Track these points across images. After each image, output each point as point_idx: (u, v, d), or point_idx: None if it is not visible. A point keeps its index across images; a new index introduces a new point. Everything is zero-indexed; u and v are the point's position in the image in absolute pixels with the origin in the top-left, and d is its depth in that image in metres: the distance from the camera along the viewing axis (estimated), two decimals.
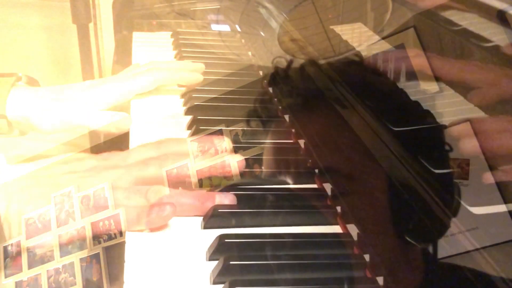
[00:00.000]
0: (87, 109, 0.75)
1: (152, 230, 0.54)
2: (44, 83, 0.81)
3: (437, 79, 0.51)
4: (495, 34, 0.48)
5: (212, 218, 0.56)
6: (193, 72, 0.83)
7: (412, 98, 0.55)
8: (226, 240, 0.52)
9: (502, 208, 0.41)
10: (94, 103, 0.75)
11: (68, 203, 0.55)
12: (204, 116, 0.74)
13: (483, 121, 0.47)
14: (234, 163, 0.59)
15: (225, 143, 0.61)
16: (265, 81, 0.88)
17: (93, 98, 0.76)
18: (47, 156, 0.63)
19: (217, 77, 0.85)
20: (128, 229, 0.54)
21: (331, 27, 0.75)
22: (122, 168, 0.59)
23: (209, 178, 0.60)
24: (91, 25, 1.47)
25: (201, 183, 0.61)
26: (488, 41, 0.49)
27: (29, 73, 0.80)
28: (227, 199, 0.58)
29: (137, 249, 0.52)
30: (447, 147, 0.46)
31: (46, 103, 0.75)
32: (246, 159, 0.61)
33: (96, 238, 0.53)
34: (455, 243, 0.43)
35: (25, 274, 0.53)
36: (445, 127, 0.48)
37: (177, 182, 0.59)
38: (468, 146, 0.45)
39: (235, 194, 0.59)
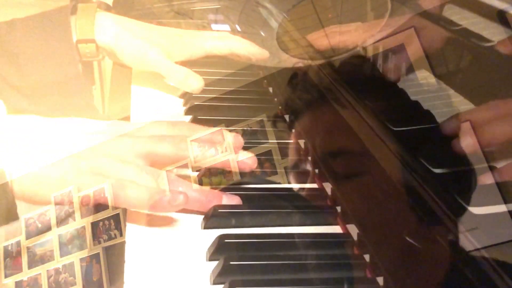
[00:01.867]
0: (167, 59, 0.77)
1: (150, 221, 0.54)
2: (44, 83, 0.81)
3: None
4: (495, 34, 0.48)
5: (212, 218, 0.56)
6: (261, 49, 0.83)
7: (412, 98, 0.55)
8: (226, 240, 0.52)
9: (502, 208, 0.41)
10: (173, 53, 0.78)
11: (68, 203, 0.55)
12: (204, 116, 0.74)
13: (474, 112, 0.46)
14: (235, 163, 0.59)
15: (226, 142, 0.61)
16: (265, 81, 0.88)
17: (173, 48, 0.79)
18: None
19: (217, 77, 0.85)
20: (130, 207, 0.53)
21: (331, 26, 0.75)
22: (136, 137, 0.59)
23: (209, 177, 0.60)
24: None
25: (201, 182, 0.61)
26: (488, 41, 0.49)
27: None
28: (233, 200, 0.58)
29: (137, 249, 0.52)
30: (446, 147, 0.46)
31: (133, 37, 0.77)
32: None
33: (96, 238, 0.53)
34: (455, 243, 0.43)
35: (25, 274, 0.53)
36: (444, 126, 0.48)
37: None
38: (467, 145, 0.45)
39: (234, 194, 0.59)
